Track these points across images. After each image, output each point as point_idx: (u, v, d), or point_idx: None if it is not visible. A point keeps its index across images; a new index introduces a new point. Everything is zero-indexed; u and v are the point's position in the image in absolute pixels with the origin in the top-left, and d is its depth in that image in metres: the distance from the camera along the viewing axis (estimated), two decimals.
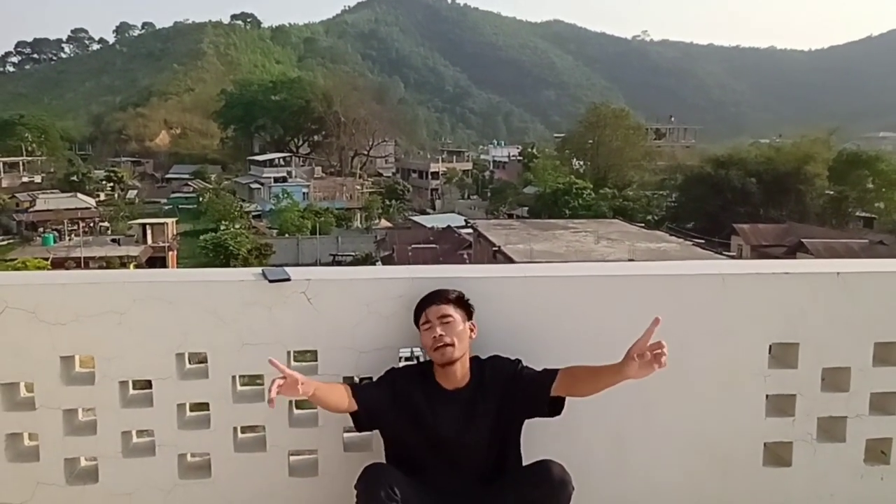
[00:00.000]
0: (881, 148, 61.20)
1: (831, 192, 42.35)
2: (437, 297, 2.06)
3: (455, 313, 2.03)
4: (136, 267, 30.95)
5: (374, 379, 2.15)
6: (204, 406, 2.25)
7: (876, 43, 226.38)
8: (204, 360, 2.24)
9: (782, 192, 41.35)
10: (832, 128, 57.09)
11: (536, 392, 1.96)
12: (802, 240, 26.64)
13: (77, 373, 2.24)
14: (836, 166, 43.11)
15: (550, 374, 1.96)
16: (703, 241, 27.12)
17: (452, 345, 1.97)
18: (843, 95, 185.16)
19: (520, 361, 2.06)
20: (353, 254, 37.48)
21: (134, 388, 2.28)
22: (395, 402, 1.98)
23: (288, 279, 2.19)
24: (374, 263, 31.43)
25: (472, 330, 2.06)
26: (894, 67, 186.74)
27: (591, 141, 56.47)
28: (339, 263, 35.75)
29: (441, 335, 1.98)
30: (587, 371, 1.92)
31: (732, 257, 25.98)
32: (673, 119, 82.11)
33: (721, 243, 31.08)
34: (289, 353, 2.23)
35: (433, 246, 28.51)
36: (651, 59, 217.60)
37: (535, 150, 63.99)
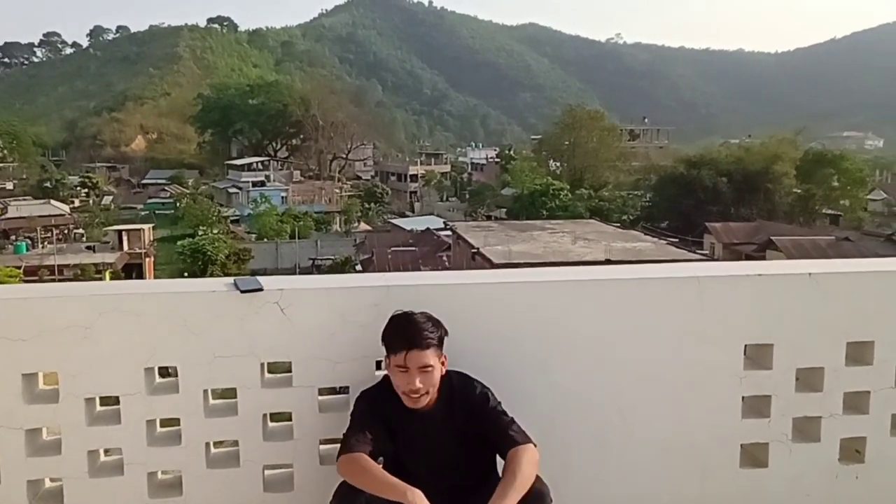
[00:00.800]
0: (845, 147, 63.40)
1: (798, 191, 43.49)
2: (419, 340, 1.87)
3: (434, 359, 1.89)
4: (112, 274, 30.30)
5: (350, 393, 2.11)
6: (174, 422, 2.19)
7: (839, 45, 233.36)
8: (174, 374, 2.17)
9: (752, 191, 42.28)
10: (799, 128, 58.76)
11: (499, 447, 1.90)
12: (772, 237, 27.18)
13: (40, 390, 2.17)
14: (803, 165, 44.34)
15: (509, 442, 1.86)
16: (676, 239, 27.44)
17: (427, 393, 1.90)
18: (809, 96, 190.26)
19: (489, 397, 1.96)
20: (332, 257, 37.19)
21: (101, 405, 2.21)
22: (385, 431, 1.93)
23: (260, 289, 2.13)
24: (353, 267, 31.25)
25: (443, 364, 1.95)
26: (857, 69, 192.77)
27: (567, 142, 57.08)
28: (319, 267, 35.46)
29: (419, 387, 1.87)
30: (505, 476, 1.79)
31: (705, 255, 26.43)
32: (646, 120, 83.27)
33: (694, 242, 31.55)
34: (262, 364, 2.18)
35: (412, 249, 28.41)
36: (624, 61, 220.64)
37: (512, 152, 64.44)
